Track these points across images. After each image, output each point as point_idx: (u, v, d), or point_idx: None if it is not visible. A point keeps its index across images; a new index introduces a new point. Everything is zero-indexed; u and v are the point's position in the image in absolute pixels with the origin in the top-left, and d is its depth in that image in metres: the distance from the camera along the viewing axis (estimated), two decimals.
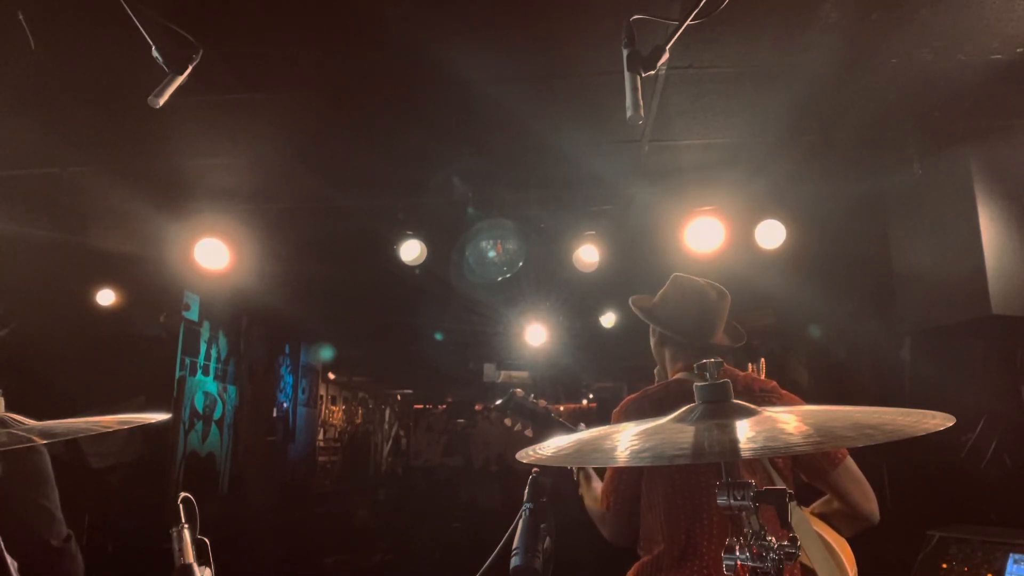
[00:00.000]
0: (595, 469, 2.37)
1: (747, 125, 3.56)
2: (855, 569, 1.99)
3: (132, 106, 2.95)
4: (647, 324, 2.39)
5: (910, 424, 1.07)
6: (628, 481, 2.13)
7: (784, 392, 2.15)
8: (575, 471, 2.38)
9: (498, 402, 2.54)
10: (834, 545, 1.98)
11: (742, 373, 2.20)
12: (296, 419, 8.55)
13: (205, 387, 6.16)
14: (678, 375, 2.24)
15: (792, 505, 1.96)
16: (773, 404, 2.06)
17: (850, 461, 2.04)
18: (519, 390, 2.58)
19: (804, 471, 2.07)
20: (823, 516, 2.10)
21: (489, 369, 9.67)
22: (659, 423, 1.22)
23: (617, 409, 2.20)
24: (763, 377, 2.46)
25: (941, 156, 3.46)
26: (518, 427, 2.52)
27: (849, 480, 2.03)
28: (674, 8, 2.36)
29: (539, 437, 2.41)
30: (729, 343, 2.30)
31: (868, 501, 2.05)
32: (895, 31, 2.72)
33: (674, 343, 2.30)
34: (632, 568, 2.08)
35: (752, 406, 1.20)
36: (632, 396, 2.23)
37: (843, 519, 2.07)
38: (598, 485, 2.29)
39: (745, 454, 1.03)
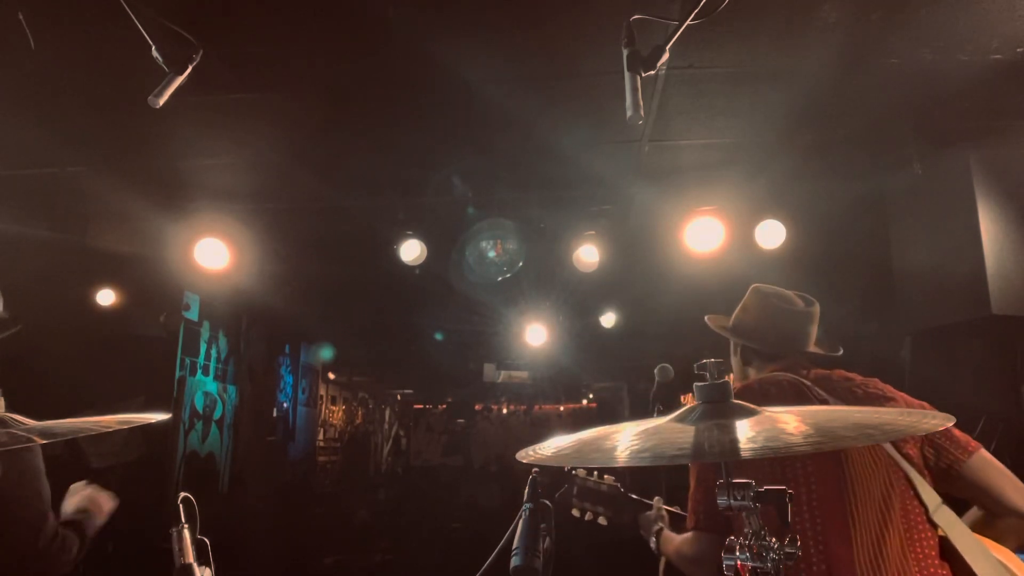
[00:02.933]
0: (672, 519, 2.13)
1: (747, 125, 3.56)
2: None
3: (132, 106, 2.95)
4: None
5: (910, 424, 1.07)
6: (713, 485, 1.88)
7: (889, 387, 1.88)
8: (653, 539, 2.13)
9: (563, 492, 2.21)
10: (1002, 558, 1.65)
11: (834, 371, 1.99)
12: (296, 419, 8.55)
13: (205, 387, 6.16)
14: (772, 373, 2.01)
15: (941, 506, 1.69)
16: (880, 399, 1.82)
17: (986, 451, 1.74)
18: (580, 470, 2.26)
19: (934, 474, 1.75)
20: (979, 529, 1.75)
21: (489, 369, 9.68)
22: (658, 423, 1.22)
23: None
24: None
25: (941, 156, 3.46)
26: (588, 516, 2.23)
27: (992, 470, 1.72)
28: (674, 8, 2.36)
29: (615, 522, 2.21)
30: (824, 351, 2.10)
31: (1017, 492, 1.69)
32: (895, 31, 2.72)
33: (760, 356, 2.09)
34: None
35: (752, 406, 1.19)
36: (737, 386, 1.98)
37: (997, 525, 1.73)
38: (673, 534, 2.06)
39: (744, 454, 1.03)
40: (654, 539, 2.12)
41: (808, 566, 1.66)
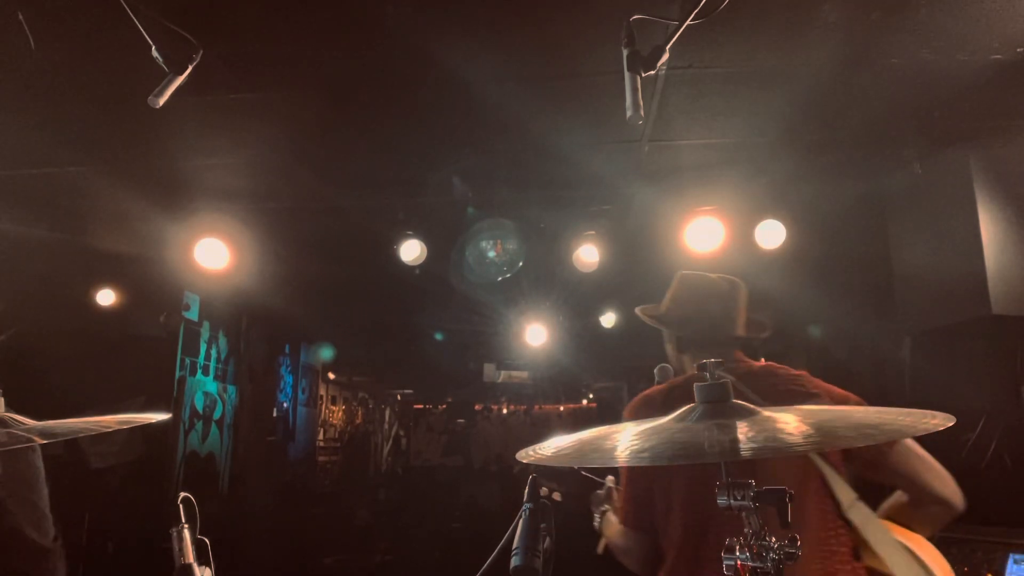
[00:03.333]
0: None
1: (747, 125, 3.56)
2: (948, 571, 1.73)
3: (132, 106, 2.94)
4: (657, 330, 2.23)
5: (910, 424, 1.07)
6: (642, 487, 1.95)
7: (816, 381, 1.91)
8: (597, 518, 2.23)
9: (519, 468, 2.41)
10: (914, 547, 1.70)
11: (758, 364, 2.03)
12: (296, 419, 8.55)
13: (205, 387, 6.16)
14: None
15: (856, 503, 1.72)
16: (802, 395, 1.86)
17: (911, 441, 1.76)
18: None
19: (859, 463, 1.79)
20: (893, 519, 1.81)
21: (489, 369, 9.68)
22: (659, 423, 1.22)
23: (629, 405, 2.06)
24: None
25: (941, 156, 3.47)
26: (544, 490, 2.40)
27: (915, 459, 1.75)
28: (674, 8, 2.36)
29: (568, 497, 2.32)
30: (752, 335, 2.12)
31: (944, 482, 1.74)
32: (895, 31, 2.72)
33: (692, 344, 2.11)
34: None
35: (752, 406, 1.20)
36: (643, 393, 2.08)
37: (919, 514, 1.78)
38: (615, 518, 2.14)
39: (745, 454, 1.03)
40: (598, 518, 2.22)
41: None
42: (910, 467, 1.75)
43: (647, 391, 2.09)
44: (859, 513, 1.72)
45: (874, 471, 1.79)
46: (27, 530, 2.01)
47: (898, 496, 1.84)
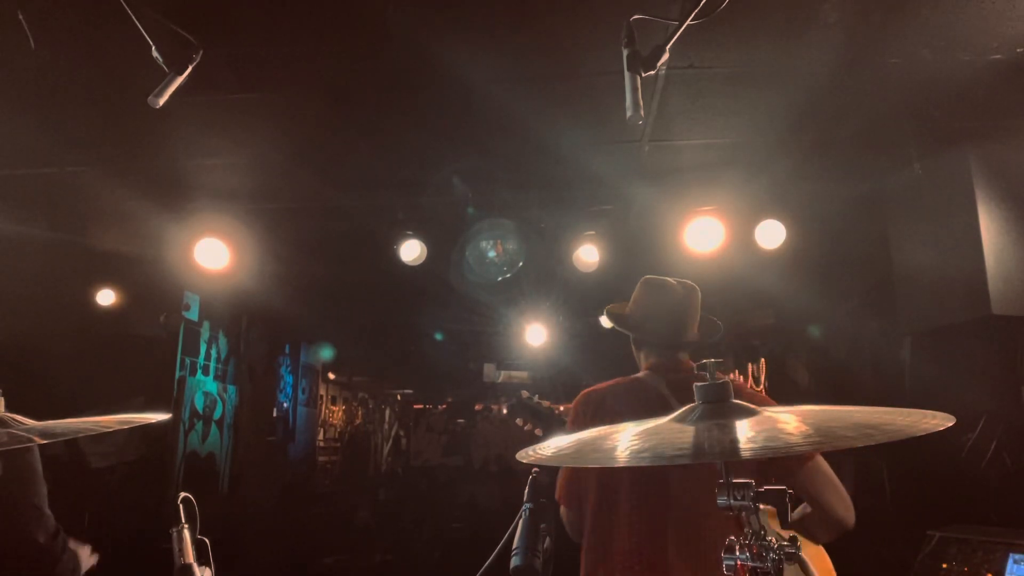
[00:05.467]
0: None
1: (747, 125, 3.56)
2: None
3: (132, 106, 2.94)
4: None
5: (910, 424, 1.07)
6: (576, 473, 2.18)
7: (755, 394, 2.14)
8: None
9: (510, 403, 2.72)
10: (809, 554, 1.94)
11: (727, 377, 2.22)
12: (296, 419, 8.55)
13: (205, 387, 6.16)
14: (642, 373, 2.27)
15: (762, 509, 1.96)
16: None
17: (820, 461, 1.96)
18: (524, 392, 2.72)
19: (773, 471, 1.94)
20: (799, 522, 2.01)
21: (489, 369, 9.67)
22: (659, 423, 1.22)
23: (576, 399, 2.24)
24: (763, 378, 2.48)
25: (941, 156, 3.46)
26: (528, 426, 2.67)
27: (819, 481, 1.94)
28: (674, 8, 2.36)
29: (547, 435, 2.46)
30: (701, 338, 2.31)
31: (840, 503, 1.94)
32: (895, 31, 2.72)
33: (647, 344, 2.32)
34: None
35: (752, 406, 1.20)
36: (588, 389, 2.26)
37: (818, 524, 1.98)
38: None
39: (745, 454, 1.03)
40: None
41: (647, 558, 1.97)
42: (816, 487, 1.94)
43: (589, 388, 2.28)
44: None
45: (785, 483, 1.91)
46: (26, 531, 2.01)
47: (803, 507, 2.03)
